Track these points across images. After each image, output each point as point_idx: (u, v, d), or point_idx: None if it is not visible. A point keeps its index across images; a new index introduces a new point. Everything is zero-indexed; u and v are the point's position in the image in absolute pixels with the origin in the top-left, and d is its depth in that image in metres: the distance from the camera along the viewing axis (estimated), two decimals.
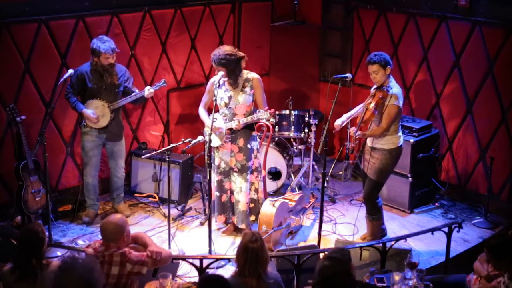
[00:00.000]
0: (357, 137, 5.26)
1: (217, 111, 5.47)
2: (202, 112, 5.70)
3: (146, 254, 4.01)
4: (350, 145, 5.35)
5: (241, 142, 5.59)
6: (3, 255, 4.42)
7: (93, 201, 6.14)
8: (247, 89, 5.51)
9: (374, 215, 5.58)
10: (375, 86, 5.41)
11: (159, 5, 6.71)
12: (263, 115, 5.37)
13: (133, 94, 5.89)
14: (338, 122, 5.46)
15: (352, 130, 5.32)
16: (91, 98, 5.80)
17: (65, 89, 5.78)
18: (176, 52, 6.99)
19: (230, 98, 5.51)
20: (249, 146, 5.62)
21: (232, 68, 5.40)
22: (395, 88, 5.29)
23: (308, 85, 7.95)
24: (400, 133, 5.44)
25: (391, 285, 4.11)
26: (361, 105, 5.60)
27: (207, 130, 5.64)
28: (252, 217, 5.77)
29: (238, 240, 5.71)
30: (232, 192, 5.73)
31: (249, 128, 5.61)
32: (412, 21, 6.78)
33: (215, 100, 5.42)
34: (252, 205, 5.74)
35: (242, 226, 5.72)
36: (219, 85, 5.40)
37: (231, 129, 5.52)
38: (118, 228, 3.96)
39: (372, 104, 5.21)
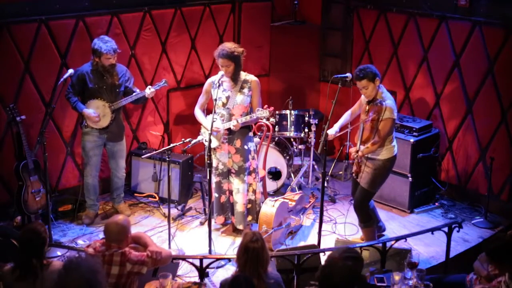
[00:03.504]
0: (358, 158, 5.23)
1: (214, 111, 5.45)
2: (198, 113, 5.69)
3: (146, 254, 4.01)
4: (354, 169, 5.30)
5: (238, 143, 5.59)
6: (3, 255, 4.42)
7: (93, 201, 6.14)
8: (245, 90, 5.51)
9: (367, 222, 5.51)
10: (365, 99, 5.31)
11: (159, 5, 6.71)
12: (263, 114, 5.36)
13: (134, 94, 5.88)
14: (332, 132, 5.32)
15: (353, 152, 5.24)
16: (92, 98, 5.79)
17: (66, 89, 5.79)
18: (176, 52, 6.99)
19: (228, 98, 5.51)
20: (246, 147, 5.61)
21: (239, 63, 5.44)
22: (388, 100, 5.17)
23: (308, 85, 7.95)
24: (394, 143, 5.35)
25: (391, 285, 4.11)
26: (348, 112, 5.52)
27: (203, 130, 5.64)
28: (249, 218, 5.77)
29: (238, 240, 5.71)
30: (231, 192, 5.73)
31: (246, 129, 5.61)
32: (412, 21, 6.78)
33: (215, 100, 5.44)
34: (249, 205, 5.75)
35: (240, 227, 5.72)
36: (219, 85, 5.40)
37: (229, 129, 5.52)
38: (122, 230, 3.98)
39: (369, 124, 5.15)
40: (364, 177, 5.37)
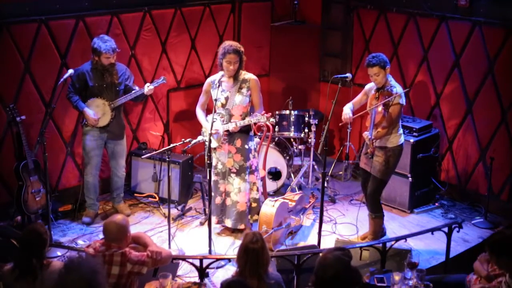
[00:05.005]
0: (372, 141, 5.28)
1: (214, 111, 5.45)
2: (199, 113, 5.70)
3: (146, 254, 4.01)
4: (369, 150, 5.35)
5: (238, 142, 5.59)
6: (3, 255, 4.42)
7: (93, 201, 6.14)
8: (244, 90, 5.51)
9: (377, 213, 5.61)
10: (372, 85, 5.42)
11: (159, 5, 6.71)
12: (260, 119, 5.38)
13: (133, 91, 5.90)
14: (348, 112, 5.36)
15: (366, 135, 5.31)
16: (92, 97, 5.80)
17: (67, 88, 5.80)
18: (176, 52, 6.99)
19: (227, 99, 5.51)
20: (246, 146, 5.61)
21: (243, 60, 5.46)
22: (397, 87, 5.34)
23: (308, 85, 7.95)
24: (401, 131, 5.48)
25: (391, 285, 4.11)
26: (350, 104, 5.57)
27: (204, 130, 5.64)
28: (255, 216, 5.74)
29: (238, 240, 5.71)
30: (227, 194, 5.72)
31: (246, 128, 5.61)
32: (412, 21, 6.78)
33: (215, 100, 5.44)
34: (254, 204, 5.73)
35: (241, 226, 5.71)
36: (219, 85, 5.40)
37: (228, 130, 5.52)
38: (121, 229, 3.98)
39: (381, 108, 5.25)
40: (375, 166, 5.46)
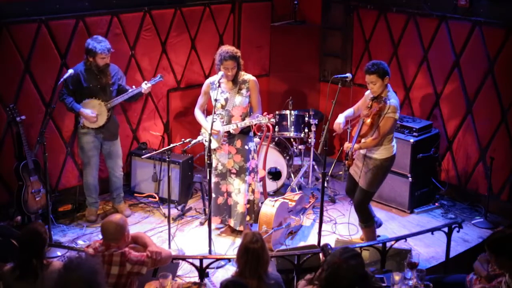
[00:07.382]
0: (352, 152, 5.19)
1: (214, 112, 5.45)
2: (198, 114, 5.70)
3: (146, 254, 4.01)
4: (347, 162, 5.24)
5: (238, 143, 5.59)
6: (3, 255, 4.42)
7: (95, 199, 6.15)
8: (244, 91, 5.51)
9: (367, 222, 5.49)
10: (370, 94, 5.29)
11: (159, 5, 6.71)
12: (262, 120, 5.37)
13: (130, 90, 5.89)
14: (340, 122, 5.28)
15: (346, 145, 5.23)
16: (87, 98, 5.79)
17: (59, 90, 5.78)
18: (176, 52, 6.99)
19: (226, 100, 5.51)
20: (246, 147, 5.61)
21: (240, 64, 5.45)
22: (392, 99, 5.15)
23: (308, 85, 7.95)
24: (393, 143, 5.33)
25: (391, 285, 4.11)
26: (351, 109, 5.50)
27: (204, 131, 5.64)
28: (247, 218, 5.75)
29: (238, 240, 5.72)
30: (229, 194, 5.72)
31: (246, 129, 5.60)
32: (412, 21, 6.78)
33: (215, 100, 5.44)
34: (248, 205, 5.74)
35: (241, 228, 5.70)
36: (219, 85, 5.39)
37: (228, 132, 5.52)
38: (119, 228, 3.97)
39: (369, 120, 5.10)
40: (362, 177, 5.36)
